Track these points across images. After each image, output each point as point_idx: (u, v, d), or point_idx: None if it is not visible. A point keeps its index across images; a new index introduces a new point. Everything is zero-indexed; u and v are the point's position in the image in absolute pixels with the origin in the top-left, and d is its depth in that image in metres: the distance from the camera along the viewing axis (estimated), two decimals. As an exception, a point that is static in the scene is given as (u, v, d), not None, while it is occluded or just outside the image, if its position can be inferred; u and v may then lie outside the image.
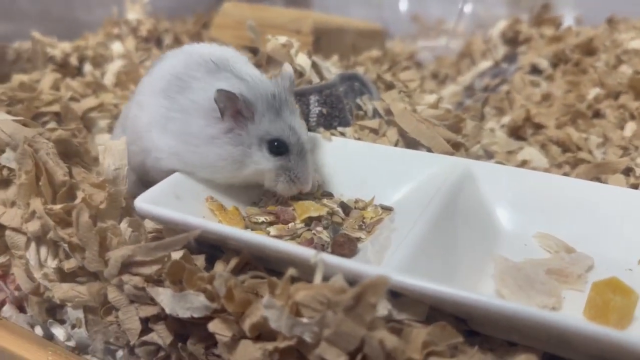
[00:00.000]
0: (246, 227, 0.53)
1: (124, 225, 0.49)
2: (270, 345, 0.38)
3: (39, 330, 0.54)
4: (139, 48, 1.09)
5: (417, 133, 0.64)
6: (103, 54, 1.00)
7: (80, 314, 0.49)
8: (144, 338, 0.45)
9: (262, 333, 0.39)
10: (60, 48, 0.96)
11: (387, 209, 0.57)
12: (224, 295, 0.39)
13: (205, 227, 0.44)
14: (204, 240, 0.47)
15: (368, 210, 0.57)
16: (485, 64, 1.12)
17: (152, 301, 0.44)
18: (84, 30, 1.16)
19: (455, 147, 0.64)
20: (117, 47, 1.05)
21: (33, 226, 0.50)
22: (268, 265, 0.47)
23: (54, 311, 0.53)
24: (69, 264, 0.48)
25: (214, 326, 0.40)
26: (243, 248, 0.45)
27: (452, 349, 0.37)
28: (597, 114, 0.82)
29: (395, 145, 0.66)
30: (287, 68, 0.59)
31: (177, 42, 1.18)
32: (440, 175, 0.55)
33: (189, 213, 0.47)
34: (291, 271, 0.37)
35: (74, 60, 0.95)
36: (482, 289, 0.46)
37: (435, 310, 0.39)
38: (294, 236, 0.52)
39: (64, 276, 0.49)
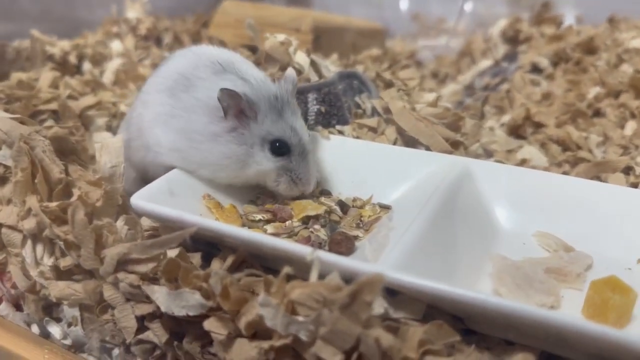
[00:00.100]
0: (243, 225, 0.53)
1: (120, 223, 0.49)
2: (266, 344, 0.38)
3: (35, 329, 0.54)
4: (138, 47, 1.09)
5: (416, 131, 0.64)
6: (102, 53, 1.00)
7: (76, 312, 0.49)
8: (140, 336, 0.45)
9: (258, 331, 0.39)
10: (59, 46, 0.95)
11: (385, 208, 0.57)
12: (220, 294, 0.39)
13: (201, 224, 0.44)
14: (200, 237, 0.46)
15: (366, 208, 0.57)
16: (485, 63, 1.11)
17: (148, 299, 0.43)
18: (84, 29, 1.16)
19: (454, 146, 0.64)
20: (116, 45, 1.05)
21: (29, 224, 0.49)
22: (265, 263, 0.46)
23: (50, 309, 0.53)
24: (65, 262, 0.48)
25: (210, 324, 0.40)
26: (239, 246, 0.45)
27: (449, 348, 0.36)
28: (598, 113, 0.82)
29: (394, 143, 0.66)
30: (291, 72, 0.60)
31: (177, 41, 1.19)
32: (438, 174, 0.55)
33: (186, 211, 0.47)
34: (287, 269, 0.37)
35: (73, 59, 0.95)
36: (480, 288, 0.46)
37: (432, 309, 0.39)
38: (291, 234, 0.52)
39: (60, 274, 0.49)
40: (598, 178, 0.63)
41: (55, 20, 1.25)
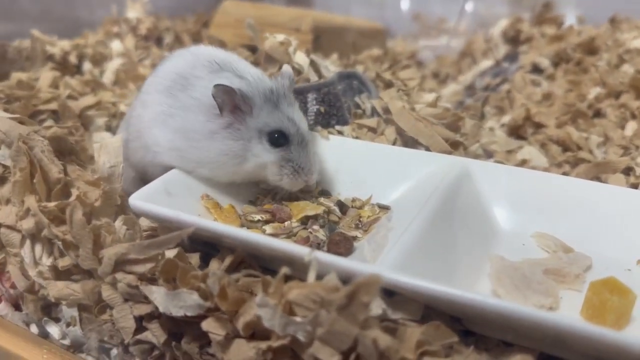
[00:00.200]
0: (242, 225, 0.53)
1: (119, 223, 0.49)
2: (263, 344, 0.38)
3: (34, 329, 0.54)
4: (139, 46, 1.09)
5: (415, 132, 0.64)
6: (102, 53, 1.00)
7: (75, 312, 0.49)
8: (138, 337, 0.45)
9: (256, 332, 0.39)
10: (59, 46, 0.95)
11: (385, 208, 0.57)
12: (218, 294, 0.39)
13: (199, 224, 0.44)
14: (199, 238, 0.46)
15: (365, 209, 0.57)
16: (486, 63, 1.11)
17: (146, 299, 0.43)
18: (85, 29, 1.16)
19: (454, 146, 0.64)
20: (116, 45, 1.05)
21: (27, 224, 0.49)
22: (264, 264, 0.46)
23: (49, 309, 0.53)
24: (64, 262, 0.48)
25: (208, 325, 0.40)
26: (238, 246, 0.45)
27: (447, 349, 0.36)
28: (598, 114, 0.81)
29: (393, 144, 0.65)
30: (287, 68, 0.60)
31: (178, 40, 1.19)
32: (438, 174, 0.55)
33: (185, 211, 0.47)
34: (284, 270, 0.37)
35: (73, 59, 0.95)
36: (479, 289, 0.45)
37: (430, 310, 0.39)
38: (289, 235, 0.52)
39: (59, 274, 0.49)
40: (598, 179, 0.63)
41: (56, 20, 1.25)
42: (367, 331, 0.34)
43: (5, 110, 0.64)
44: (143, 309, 0.44)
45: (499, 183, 0.56)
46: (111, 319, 0.46)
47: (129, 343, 0.45)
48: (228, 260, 0.45)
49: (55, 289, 0.48)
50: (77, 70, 0.96)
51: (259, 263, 0.47)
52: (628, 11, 1.13)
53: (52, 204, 0.49)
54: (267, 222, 0.54)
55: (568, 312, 0.43)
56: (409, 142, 0.65)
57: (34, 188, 0.51)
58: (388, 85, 0.83)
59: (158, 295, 0.42)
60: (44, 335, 0.53)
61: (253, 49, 0.85)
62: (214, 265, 0.46)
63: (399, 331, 0.36)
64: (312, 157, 0.56)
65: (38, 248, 0.50)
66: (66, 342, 0.52)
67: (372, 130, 0.68)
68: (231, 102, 0.53)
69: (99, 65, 0.98)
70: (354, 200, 0.58)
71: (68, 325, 0.51)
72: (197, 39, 1.20)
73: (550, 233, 0.52)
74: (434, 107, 0.73)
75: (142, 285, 0.43)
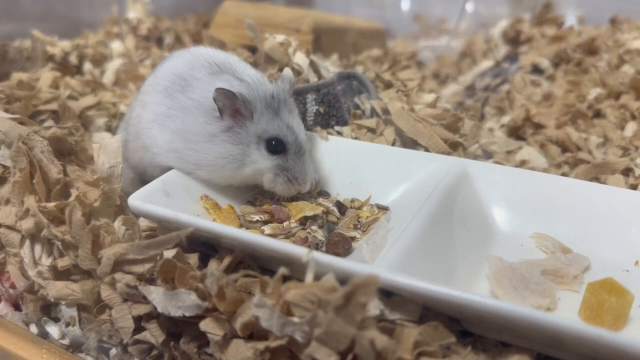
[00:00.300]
0: (241, 226, 0.53)
1: (118, 223, 0.49)
2: (261, 345, 0.38)
3: (33, 328, 0.54)
4: (139, 47, 1.09)
5: (414, 132, 0.64)
6: (103, 53, 1.01)
7: (74, 312, 0.49)
8: (137, 336, 0.45)
9: (254, 332, 0.39)
10: (60, 46, 0.96)
11: (383, 209, 0.57)
12: (216, 294, 0.39)
13: (197, 225, 0.44)
14: (197, 238, 0.46)
15: (364, 209, 0.57)
16: (486, 64, 1.11)
17: (145, 300, 0.43)
18: (85, 29, 1.16)
19: (453, 147, 0.64)
20: (116, 45, 1.05)
21: (27, 224, 0.50)
22: (263, 264, 0.46)
23: (48, 309, 0.53)
24: (63, 262, 0.48)
25: (206, 325, 0.40)
26: (236, 246, 0.45)
27: (444, 349, 0.36)
28: (598, 114, 0.81)
29: (393, 144, 0.66)
30: (287, 71, 0.60)
31: (178, 41, 1.19)
32: (437, 175, 0.55)
33: (184, 211, 0.47)
34: (282, 270, 0.37)
35: (73, 59, 0.96)
36: (477, 289, 0.45)
37: (428, 310, 0.39)
38: (288, 235, 0.52)
39: (58, 274, 0.49)
40: (597, 179, 0.63)
41: (56, 21, 1.25)
42: (364, 331, 0.34)
43: (6, 110, 0.65)
44: (142, 309, 0.44)
45: (498, 184, 0.56)
46: (110, 319, 0.46)
47: (127, 343, 0.46)
48: (227, 261, 0.45)
49: (55, 289, 0.48)
50: (77, 70, 0.96)
51: (258, 263, 0.47)
52: (628, 12, 1.13)
53: (51, 204, 0.49)
54: (265, 222, 0.54)
55: (566, 313, 0.43)
56: (408, 142, 0.65)
57: (33, 188, 0.51)
58: (387, 85, 0.83)
59: (157, 295, 0.42)
60: (44, 335, 0.53)
61: (253, 50, 0.85)
62: (213, 266, 0.46)
63: (397, 331, 0.37)
64: (307, 167, 0.56)
65: (37, 248, 0.51)
66: (65, 342, 0.52)
67: (372, 130, 0.68)
68: (232, 106, 0.53)
69: (100, 65, 0.98)
70: (352, 200, 0.58)
71: (67, 325, 0.51)
72: (197, 39, 1.20)
73: (549, 234, 0.52)
74: (434, 108, 0.73)
75: (141, 286, 0.43)
